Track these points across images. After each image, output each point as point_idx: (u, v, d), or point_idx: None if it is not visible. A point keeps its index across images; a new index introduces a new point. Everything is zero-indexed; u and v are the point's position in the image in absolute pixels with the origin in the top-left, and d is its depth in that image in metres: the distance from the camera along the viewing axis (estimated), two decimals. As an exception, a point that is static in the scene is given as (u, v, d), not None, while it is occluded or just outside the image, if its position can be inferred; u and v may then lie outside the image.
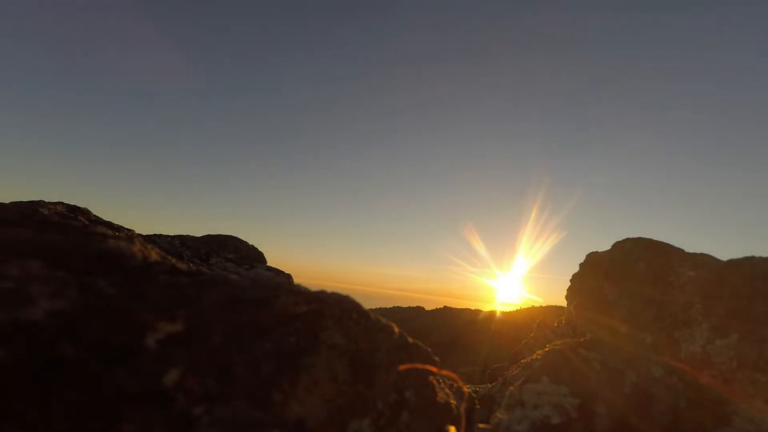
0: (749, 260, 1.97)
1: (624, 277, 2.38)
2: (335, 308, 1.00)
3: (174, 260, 0.95)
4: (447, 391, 1.24)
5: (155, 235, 2.73)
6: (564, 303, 2.95)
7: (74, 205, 1.90)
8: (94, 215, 1.96)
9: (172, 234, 2.85)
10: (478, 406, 2.11)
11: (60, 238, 0.81)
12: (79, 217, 1.73)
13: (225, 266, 2.70)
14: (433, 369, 1.19)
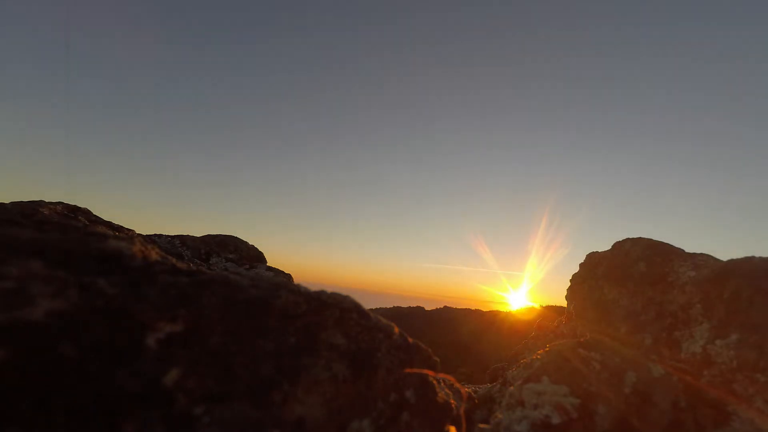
0: (749, 260, 1.97)
1: (624, 277, 2.37)
2: (335, 308, 1.00)
3: (174, 260, 0.95)
4: (447, 391, 1.24)
5: (155, 235, 2.73)
6: (564, 303, 2.95)
7: (74, 205, 1.90)
8: (94, 215, 1.96)
9: (172, 234, 2.84)
10: (477, 406, 2.11)
11: (60, 238, 0.81)
12: (79, 217, 1.73)
13: (225, 266, 2.70)
14: (432, 371, 1.19)
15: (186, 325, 0.77)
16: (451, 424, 1.17)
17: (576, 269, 2.85)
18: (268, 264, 3.13)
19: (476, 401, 2.28)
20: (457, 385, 1.44)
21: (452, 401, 1.20)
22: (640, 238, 2.52)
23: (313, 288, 1.03)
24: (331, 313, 0.99)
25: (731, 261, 2.03)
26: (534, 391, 1.64)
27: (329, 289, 1.05)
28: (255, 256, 3.10)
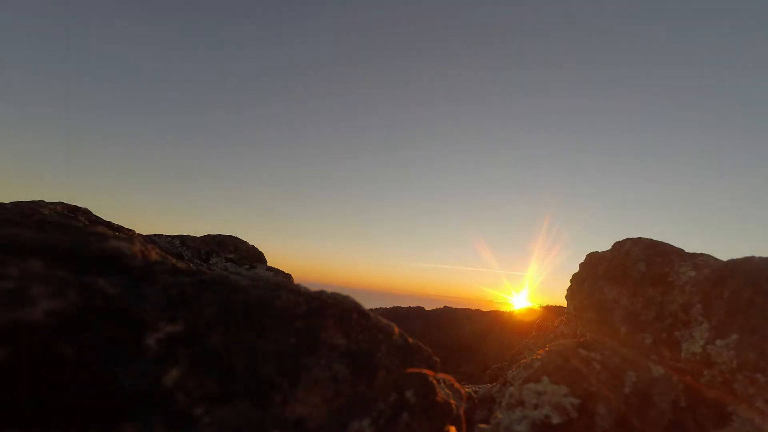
0: (749, 260, 1.97)
1: (624, 277, 2.37)
2: (335, 308, 1.00)
3: (174, 260, 0.95)
4: (447, 391, 1.24)
5: (155, 235, 2.73)
6: (564, 303, 2.95)
7: (74, 205, 1.90)
8: (94, 215, 1.96)
9: (172, 234, 2.84)
10: (477, 406, 2.11)
11: (60, 238, 0.81)
12: (79, 217, 1.73)
13: (225, 266, 2.70)
14: (433, 371, 1.19)
15: (186, 325, 0.77)
16: (451, 424, 1.17)
17: (576, 269, 2.85)
18: (268, 264, 3.14)
19: (476, 401, 2.29)
20: (457, 385, 1.44)
21: (452, 401, 1.20)
22: (640, 238, 2.52)
23: (313, 288, 1.03)
24: (331, 313, 0.99)
25: (731, 261, 2.03)
26: (534, 391, 1.64)
27: (329, 289, 1.05)
28: (255, 256, 3.10)
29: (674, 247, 2.36)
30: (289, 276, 3.03)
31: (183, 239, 2.82)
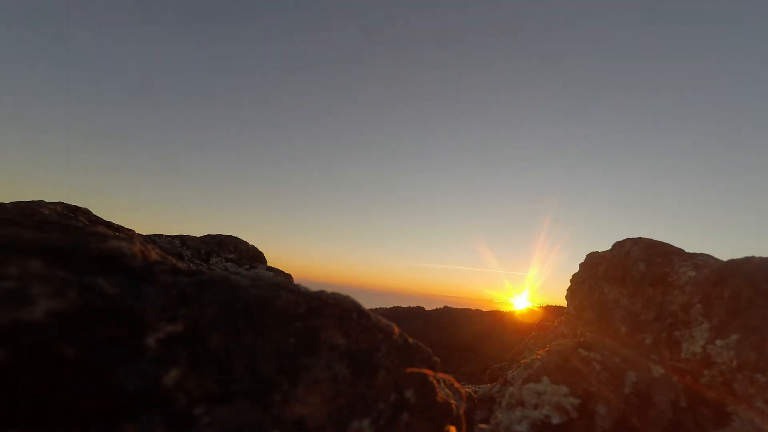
0: (749, 260, 1.97)
1: (624, 277, 2.37)
2: (335, 308, 1.00)
3: (174, 260, 0.95)
4: (447, 391, 1.24)
5: (155, 235, 2.73)
6: (564, 303, 2.95)
7: (74, 205, 1.90)
8: (94, 215, 1.96)
9: (172, 234, 2.84)
10: (477, 406, 2.11)
11: (60, 238, 0.81)
12: (79, 217, 1.73)
13: (225, 266, 2.70)
14: (432, 371, 1.19)
15: (186, 325, 0.77)
16: (451, 424, 1.17)
17: (576, 269, 2.85)
18: (268, 264, 3.14)
19: (476, 401, 2.29)
20: (457, 385, 1.44)
21: (452, 401, 1.20)
22: (640, 238, 2.52)
23: (313, 288, 1.03)
24: (331, 313, 0.99)
25: (731, 261, 2.03)
26: (534, 391, 1.65)
27: (329, 289, 1.05)
28: (255, 256, 3.10)
29: (674, 247, 2.36)
30: (289, 276, 3.04)
31: (183, 239, 2.82)
